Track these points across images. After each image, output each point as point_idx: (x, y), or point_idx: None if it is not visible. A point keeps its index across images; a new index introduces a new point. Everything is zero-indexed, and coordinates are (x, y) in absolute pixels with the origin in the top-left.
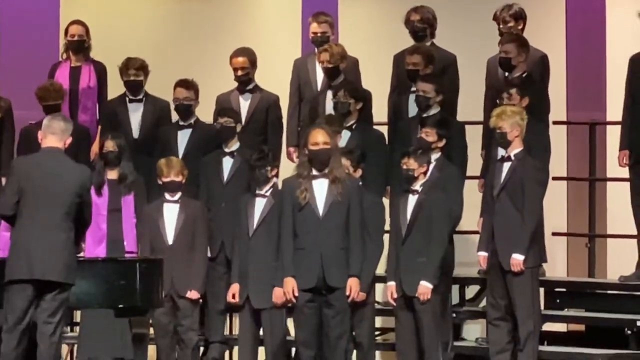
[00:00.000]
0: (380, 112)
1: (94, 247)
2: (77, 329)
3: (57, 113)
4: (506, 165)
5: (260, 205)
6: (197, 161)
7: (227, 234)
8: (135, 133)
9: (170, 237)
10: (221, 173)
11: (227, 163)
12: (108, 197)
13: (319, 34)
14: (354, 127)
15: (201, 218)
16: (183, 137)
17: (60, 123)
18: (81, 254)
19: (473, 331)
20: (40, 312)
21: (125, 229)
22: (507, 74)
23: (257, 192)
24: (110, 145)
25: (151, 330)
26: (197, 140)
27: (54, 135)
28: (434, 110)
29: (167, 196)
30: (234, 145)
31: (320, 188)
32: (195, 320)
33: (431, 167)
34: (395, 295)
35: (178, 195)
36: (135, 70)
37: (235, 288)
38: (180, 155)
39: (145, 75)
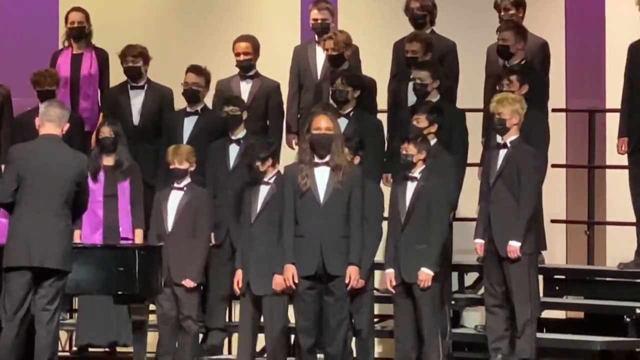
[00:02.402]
0: (379, 99)
1: (91, 233)
2: (77, 315)
3: (54, 99)
4: (502, 153)
5: (263, 192)
6: (203, 148)
7: (232, 221)
8: (136, 120)
9: (170, 224)
10: (227, 160)
11: (234, 150)
12: (104, 183)
13: (319, 21)
14: (351, 114)
15: (205, 205)
16: (189, 124)
17: (57, 110)
18: (78, 241)
19: (472, 318)
20: (38, 300)
21: (121, 215)
22: (505, 61)
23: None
24: (106, 132)
25: (152, 317)
26: (203, 127)
27: (51, 122)
28: (434, 98)
29: (175, 183)
30: (240, 133)
31: (322, 175)
32: (194, 308)
33: None
34: (394, 283)
35: (185, 182)
36: (133, 57)
37: (239, 274)
38: (185, 142)
39: (144, 61)
